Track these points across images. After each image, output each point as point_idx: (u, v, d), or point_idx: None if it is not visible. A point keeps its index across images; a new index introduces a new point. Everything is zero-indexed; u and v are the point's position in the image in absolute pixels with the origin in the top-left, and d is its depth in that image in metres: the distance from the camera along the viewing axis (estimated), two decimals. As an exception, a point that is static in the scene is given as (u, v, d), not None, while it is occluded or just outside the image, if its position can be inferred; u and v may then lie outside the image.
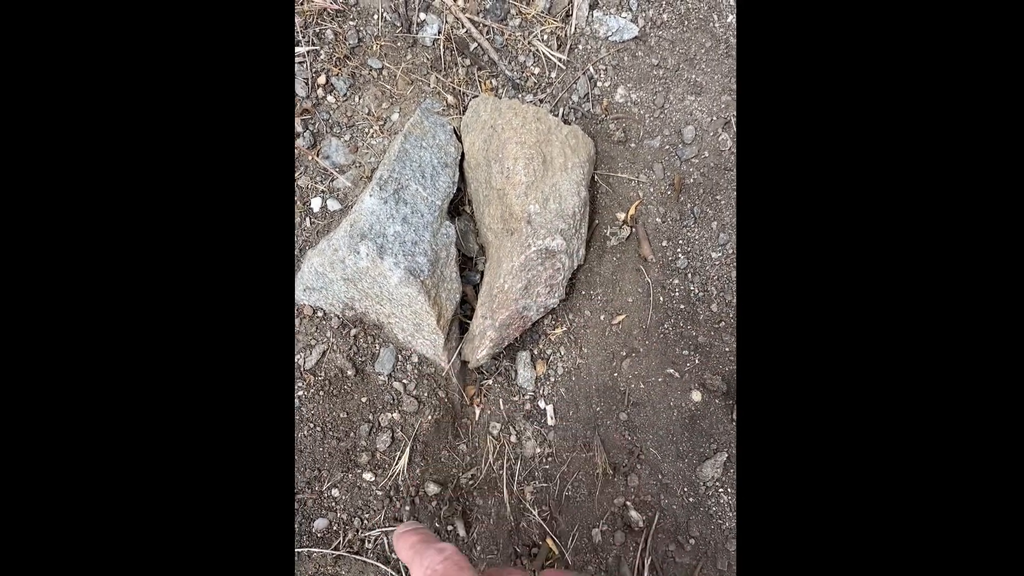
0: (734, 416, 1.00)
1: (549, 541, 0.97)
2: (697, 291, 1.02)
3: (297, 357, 0.93)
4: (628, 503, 0.99)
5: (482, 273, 1.03)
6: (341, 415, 0.94)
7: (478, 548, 0.96)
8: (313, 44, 0.97)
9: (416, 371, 0.97)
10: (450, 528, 0.96)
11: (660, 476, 1.00)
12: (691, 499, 0.99)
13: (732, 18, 1.04)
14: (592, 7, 1.04)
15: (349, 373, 0.94)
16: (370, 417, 0.95)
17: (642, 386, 1.01)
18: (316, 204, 0.95)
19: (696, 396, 1.01)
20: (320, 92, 0.98)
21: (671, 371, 1.01)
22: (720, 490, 0.99)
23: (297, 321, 0.93)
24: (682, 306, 1.02)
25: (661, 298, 1.02)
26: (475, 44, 1.02)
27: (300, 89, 0.96)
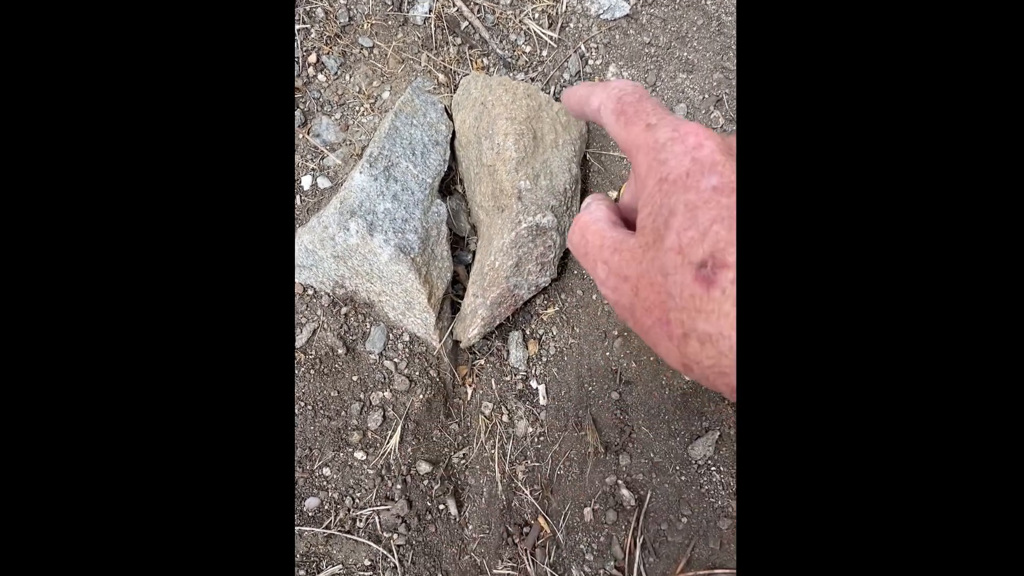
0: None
1: (541, 520, 0.97)
2: (689, 270, 1.02)
3: (287, 335, 0.93)
4: (620, 482, 0.99)
5: (474, 253, 1.03)
6: (332, 394, 0.93)
7: (470, 527, 0.96)
8: (304, 23, 0.97)
9: (407, 350, 0.97)
10: (442, 507, 0.96)
11: (652, 455, 0.99)
12: (683, 477, 0.99)
13: (724, -4, 1.04)
14: (583, -15, 1.04)
15: (340, 352, 0.94)
16: (361, 396, 0.94)
17: (634, 365, 1.01)
18: (306, 182, 0.95)
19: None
20: (311, 71, 0.98)
21: (663, 350, 1.01)
22: (712, 468, 0.99)
23: (287, 299, 0.93)
24: (674, 285, 1.02)
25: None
26: (466, 23, 1.02)
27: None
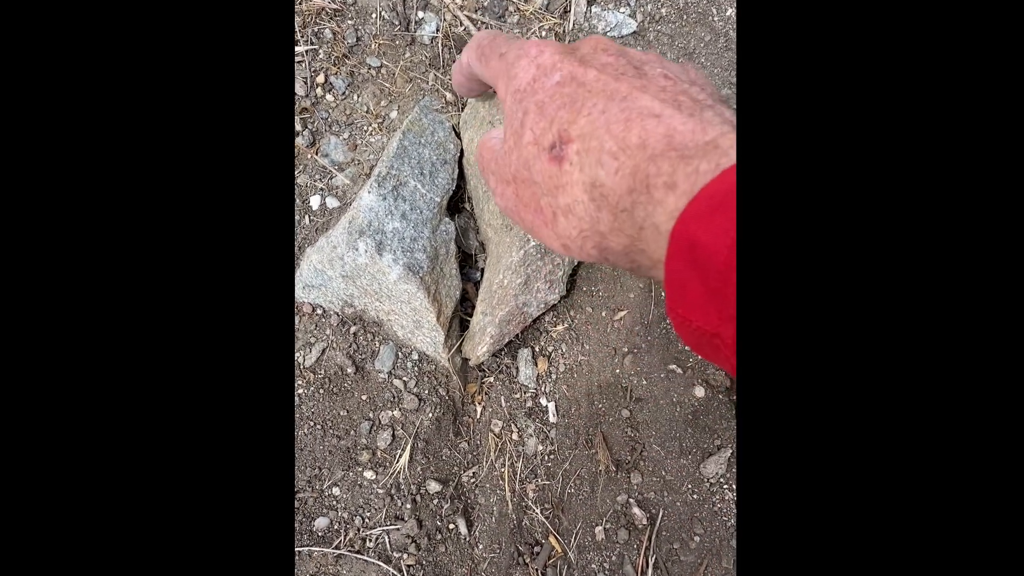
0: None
1: (552, 539, 0.96)
2: (699, 286, 1.01)
3: (297, 355, 0.93)
4: (631, 500, 0.98)
5: (482, 270, 1.02)
6: (341, 413, 0.93)
7: (480, 547, 0.95)
8: (312, 43, 0.98)
9: (416, 368, 0.97)
10: (452, 527, 0.95)
11: (663, 473, 0.99)
12: (695, 496, 0.98)
13: (731, 11, 1.03)
14: (590, 3, 1.04)
15: (349, 371, 0.94)
16: (370, 415, 0.94)
17: (644, 382, 1.00)
18: (315, 202, 0.95)
19: (699, 392, 1.00)
20: (319, 91, 0.98)
21: (673, 367, 1.00)
22: (724, 487, 0.98)
23: (297, 319, 0.93)
24: (684, 301, 1.01)
25: (662, 294, 1.01)
26: (473, 41, 1.02)
27: (299, 88, 0.97)
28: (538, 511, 0.97)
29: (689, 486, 0.98)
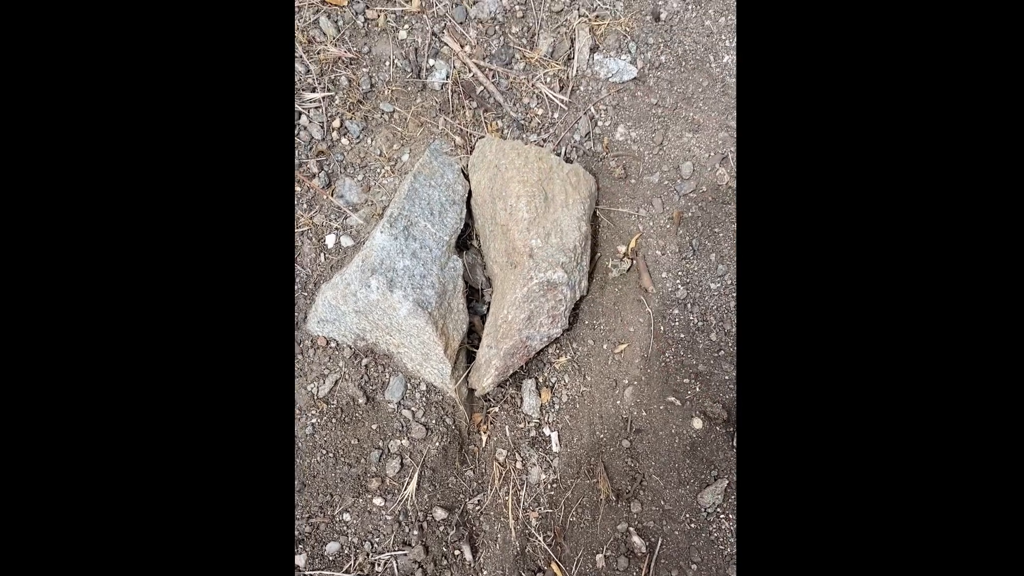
0: (735, 443, 1.03)
1: (554, 566, 1.00)
2: (696, 321, 1.05)
3: (311, 386, 0.97)
4: (631, 529, 1.01)
5: (488, 304, 1.07)
6: (352, 442, 0.98)
7: (485, 572, 0.99)
8: (328, 90, 1.03)
9: (424, 399, 1.01)
10: (457, 553, 0.99)
11: (662, 502, 1.02)
12: (693, 525, 1.01)
13: (728, 58, 1.08)
14: (593, 50, 1.09)
15: (360, 401, 0.98)
16: (380, 444, 0.99)
17: (644, 414, 1.04)
18: (330, 241, 1.00)
19: (697, 423, 1.03)
20: (335, 135, 1.04)
21: (672, 399, 1.04)
22: (721, 516, 1.01)
23: (311, 352, 0.98)
24: (682, 335, 1.05)
25: (662, 328, 1.05)
26: (481, 87, 1.08)
27: (316, 132, 1.02)
28: (541, 538, 1.00)
29: (687, 515, 1.02)
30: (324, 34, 1.04)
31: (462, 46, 1.07)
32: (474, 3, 1.08)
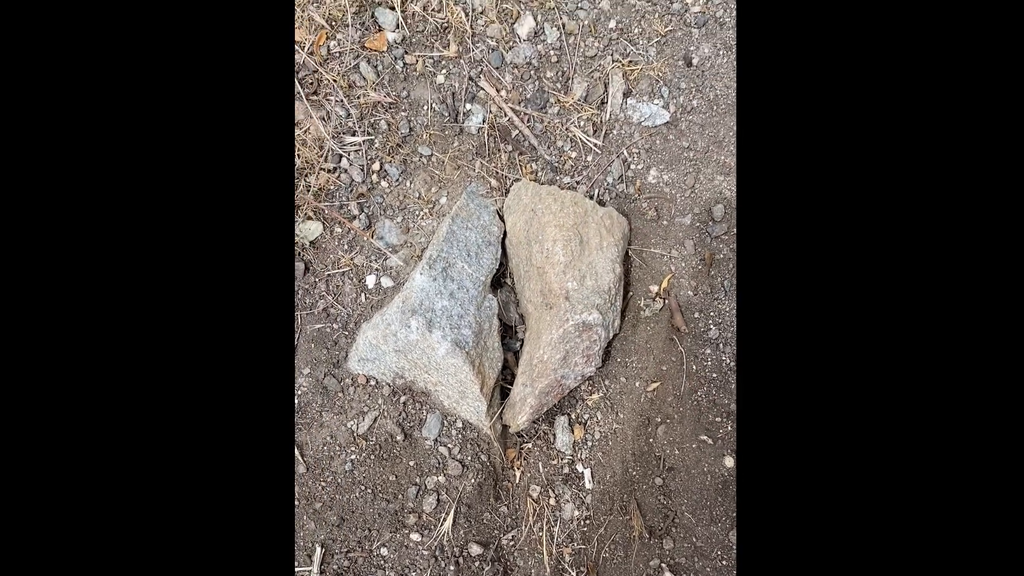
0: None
1: (587, 603, 1.01)
2: (729, 361, 1.06)
3: (351, 423, 1.00)
4: (663, 565, 1.02)
5: (522, 341, 1.09)
6: (390, 478, 1.00)
7: (519, 608, 1.00)
8: (368, 134, 1.07)
9: (460, 436, 1.03)
10: (492, 588, 1.00)
11: (694, 539, 1.03)
12: (724, 562, 1.02)
13: (758, 102, 1.11)
14: (626, 95, 1.12)
15: (398, 438, 1.01)
16: (417, 480, 1.01)
17: (677, 452, 1.06)
18: (371, 281, 1.04)
19: (729, 462, 1.04)
20: (375, 177, 1.07)
21: (705, 437, 1.05)
22: (753, 556, 1.02)
23: (352, 389, 1.01)
24: (714, 375, 1.07)
25: (694, 367, 1.07)
26: (517, 131, 1.11)
27: (356, 175, 1.06)
28: (574, 574, 1.02)
29: (719, 552, 1.03)
30: (364, 79, 1.08)
31: (498, 90, 1.10)
32: (510, 48, 1.11)
